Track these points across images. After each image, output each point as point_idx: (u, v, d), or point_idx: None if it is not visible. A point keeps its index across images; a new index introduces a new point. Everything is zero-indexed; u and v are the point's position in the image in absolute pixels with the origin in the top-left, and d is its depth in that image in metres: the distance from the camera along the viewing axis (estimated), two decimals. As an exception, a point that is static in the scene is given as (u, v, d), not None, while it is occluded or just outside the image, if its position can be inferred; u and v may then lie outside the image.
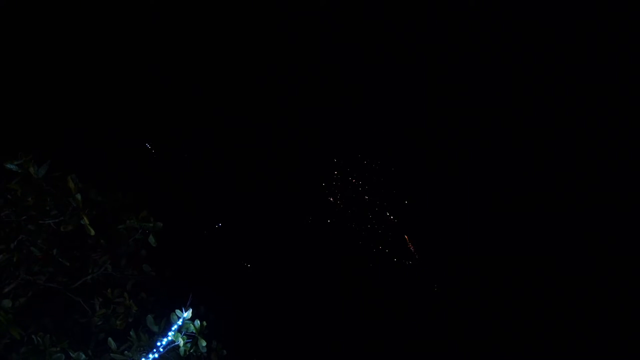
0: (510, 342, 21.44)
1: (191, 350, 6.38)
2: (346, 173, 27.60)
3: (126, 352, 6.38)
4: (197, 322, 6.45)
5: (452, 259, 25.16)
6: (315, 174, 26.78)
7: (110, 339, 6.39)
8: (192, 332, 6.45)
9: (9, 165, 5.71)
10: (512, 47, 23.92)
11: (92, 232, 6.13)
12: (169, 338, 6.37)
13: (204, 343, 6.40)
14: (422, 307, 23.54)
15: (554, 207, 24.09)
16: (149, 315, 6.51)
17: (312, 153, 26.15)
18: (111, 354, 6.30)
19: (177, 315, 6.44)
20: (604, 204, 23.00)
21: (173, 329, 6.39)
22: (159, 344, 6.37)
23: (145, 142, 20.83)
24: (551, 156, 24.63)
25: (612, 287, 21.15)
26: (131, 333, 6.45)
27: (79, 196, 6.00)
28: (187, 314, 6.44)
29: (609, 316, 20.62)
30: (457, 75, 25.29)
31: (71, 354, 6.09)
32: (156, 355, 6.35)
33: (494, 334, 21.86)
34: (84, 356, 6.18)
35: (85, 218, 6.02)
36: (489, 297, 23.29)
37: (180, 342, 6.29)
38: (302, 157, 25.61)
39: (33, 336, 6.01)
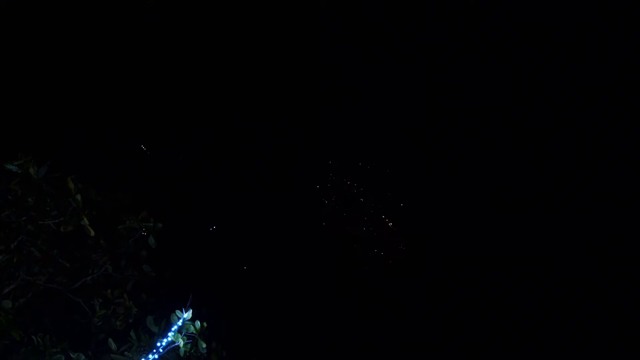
0: (506, 343, 21.43)
1: (191, 351, 6.37)
2: (341, 175, 27.62)
3: (126, 352, 6.36)
4: (197, 323, 6.44)
5: (448, 261, 25.17)
6: (311, 177, 26.78)
7: (110, 339, 6.38)
8: (192, 333, 6.43)
9: (9, 166, 5.71)
10: (509, 47, 23.93)
11: (92, 233, 6.13)
12: (169, 339, 6.35)
13: (204, 344, 6.39)
14: (417, 308, 23.56)
15: (551, 208, 24.07)
16: (149, 316, 6.49)
17: (307, 155, 26.16)
18: (111, 355, 6.29)
19: (177, 316, 6.42)
20: (599, 204, 22.98)
21: (173, 329, 6.37)
22: (159, 344, 6.35)
23: (145, 143, 20.84)
24: (549, 157, 24.62)
25: (610, 288, 21.11)
26: (131, 334, 6.44)
27: (78, 197, 6.00)
28: (187, 315, 6.43)
29: (608, 317, 20.59)
30: (453, 76, 25.27)
31: (71, 355, 6.08)
32: (156, 356, 6.34)
33: (490, 336, 21.86)
34: (84, 357, 6.17)
35: (85, 219, 6.02)
36: (486, 298, 23.28)
37: (181, 342, 6.27)
38: (298, 159, 25.63)
39: (33, 337, 6.00)
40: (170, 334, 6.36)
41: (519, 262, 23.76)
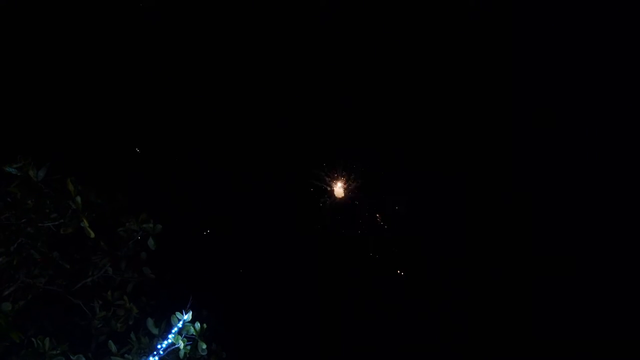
0: (502, 343, 21.46)
1: (191, 353, 6.37)
2: (335, 177, 27.65)
3: (126, 354, 6.37)
4: (197, 325, 6.44)
5: (443, 263, 25.20)
6: (306, 179, 26.81)
7: (110, 341, 6.38)
8: (192, 335, 6.44)
9: (8, 169, 5.72)
10: (508, 47, 23.94)
11: (92, 235, 6.14)
12: (169, 340, 6.36)
13: (204, 345, 6.39)
14: (413, 309, 23.65)
15: (547, 209, 24.03)
16: (149, 318, 6.50)
17: (303, 158, 26.18)
18: (111, 357, 6.29)
19: (177, 318, 6.43)
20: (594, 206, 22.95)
21: (173, 331, 6.38)
22: (159, 346, 6.36)
23: (144, 144, 20.85)
24: (548, 157, 24.61)
25: (607, 299, 21.04)
26: (131, 336, 6.45)
27: (78, 199, 6.01)
28: (187, 317, 6.43)
29: (604, 325, 20.53)
30: (448, 76, 25.21)
31: (71, 357, 6.07)
32: (156, 358, 6.34)
33: (485, 338, 21.90)
34: (84, 359, 6.17)
35: (84, 221, 6.03)
36: (481, 301, 23.32)
37: (181, 344, 6.28)
38: (294, 161, 25.66)
39: (33, 339, 6.00)
40: (170, 335, 6.36)
41: (515, 262, 23.78)
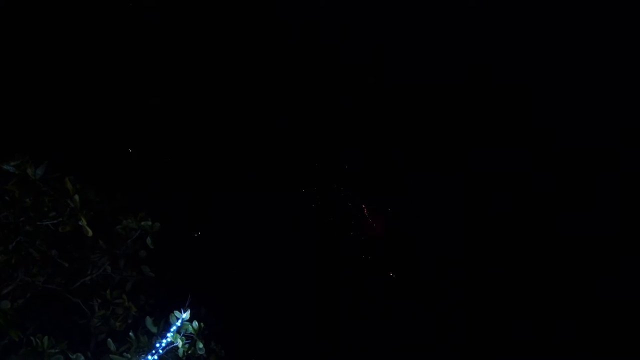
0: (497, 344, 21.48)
1: (189, 352, 6.37)
2: (328, 179, 27.66)
3: (125, 353, 6.37)
4: (195, 323, 6.45)
5: (437, 264, 25.24)
6: (299, 180, 26.80)
7: (109, 340, 6.38)
8: (191, 333, 6.44)
9: (6, 167, 5.69)
10: (507, 47, 23.94)
11: (90, 233, 6.12)
12: (168, 339, 6.36)
13: (201, 344, 6.39)
14: (410, 309, 23.74)
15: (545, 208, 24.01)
16: (148, 317, 6.50)
17: (300, 157, 26.18)
18: (110, 356, 6.29)
19: (175, 317, 6.43)
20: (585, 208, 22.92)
21: (172, 330, 6.38)
22: (158, 345, 6.36)
23: (143, 143, 20.82)
24: (547, 156, 24.59)
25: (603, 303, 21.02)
26: (130, 334, 6.45)
27: (77, 197, 5.99)
28: (186, 315, 6.43)
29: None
30: (442, 76, 25.18)
31: (70, 356, 6.07)
32: (155, 357, 6.34)
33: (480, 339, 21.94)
34: (83, 358, 6.17)
35: (83, 219, 6.01)
36: (477, 301, 23.36)
37: (179, 343, 6.28)
38: (292, 161, 25.66)
39: (32, 338, 5.99)
40: (169, 334, 6.36)
41: (513, 263, 23.78)
